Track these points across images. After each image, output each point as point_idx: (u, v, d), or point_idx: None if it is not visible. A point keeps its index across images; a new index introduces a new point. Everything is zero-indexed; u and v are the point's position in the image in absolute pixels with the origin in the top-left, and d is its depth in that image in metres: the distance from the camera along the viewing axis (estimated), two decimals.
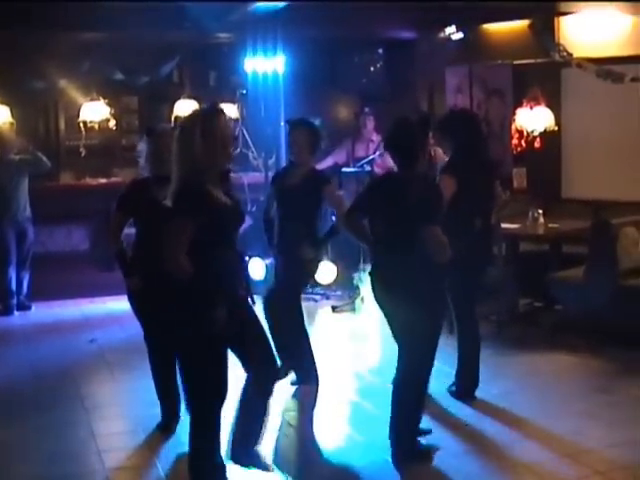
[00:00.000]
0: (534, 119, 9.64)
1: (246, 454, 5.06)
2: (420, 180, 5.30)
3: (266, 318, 6.50)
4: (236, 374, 4.90)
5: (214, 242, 4.56)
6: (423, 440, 5.58)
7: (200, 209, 4.48)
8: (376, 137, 10.65)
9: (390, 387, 5.53)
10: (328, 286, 10.03)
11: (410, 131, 5.37)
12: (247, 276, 5.06)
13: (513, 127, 9.88)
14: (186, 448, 4.89)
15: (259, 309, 5.67)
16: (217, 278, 4.53)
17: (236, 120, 11.12)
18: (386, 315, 5.45)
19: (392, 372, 5.57)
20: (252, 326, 4.91)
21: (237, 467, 5.04)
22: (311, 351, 6.92)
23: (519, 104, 9.86)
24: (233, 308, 4.60)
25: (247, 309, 4.88)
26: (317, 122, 6.86)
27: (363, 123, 10.94)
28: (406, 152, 5.37)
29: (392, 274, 5.32)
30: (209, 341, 4.58)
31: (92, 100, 10.99)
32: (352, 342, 8.42)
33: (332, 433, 6.10)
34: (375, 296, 5.50)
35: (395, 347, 5.52)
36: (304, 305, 7.07)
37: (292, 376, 6.88)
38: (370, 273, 5.52)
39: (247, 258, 9.53)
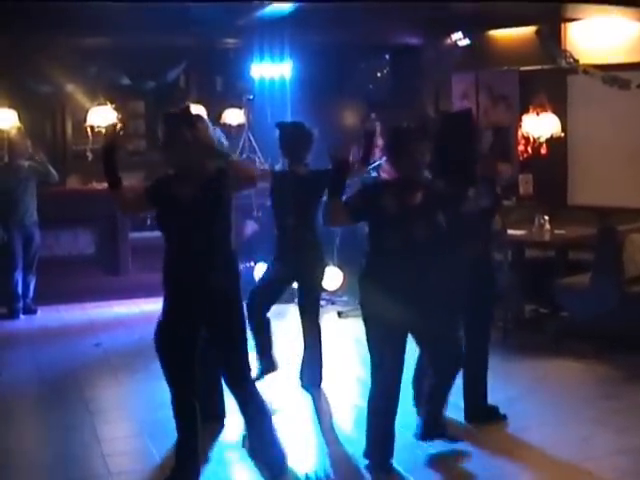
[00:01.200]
0: (540, 125, 9.64)
1: None
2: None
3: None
4: None
5: (168, 229, 4.96)
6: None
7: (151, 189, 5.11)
8: (381, 142, 10.64)
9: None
10: (334, 292, 10.03)
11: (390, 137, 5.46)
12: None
13: (519, 133, 9.89)
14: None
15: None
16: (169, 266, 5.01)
17: (242, 125, 11.15)
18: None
19: None
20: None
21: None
22: None
23: (525, 110, 9.86)
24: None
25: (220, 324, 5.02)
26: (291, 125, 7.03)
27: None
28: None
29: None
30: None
31: (99, 105, 11.02)
32: (358, 348, 8.40)
33: (336, 437, 6.09)
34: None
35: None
36: None
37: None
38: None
39: (252, 263, 9.57)
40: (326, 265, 7.23)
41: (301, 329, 7.11)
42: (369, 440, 5.45)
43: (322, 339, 7.12)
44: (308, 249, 6.60)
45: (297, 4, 8.65)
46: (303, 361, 7.12)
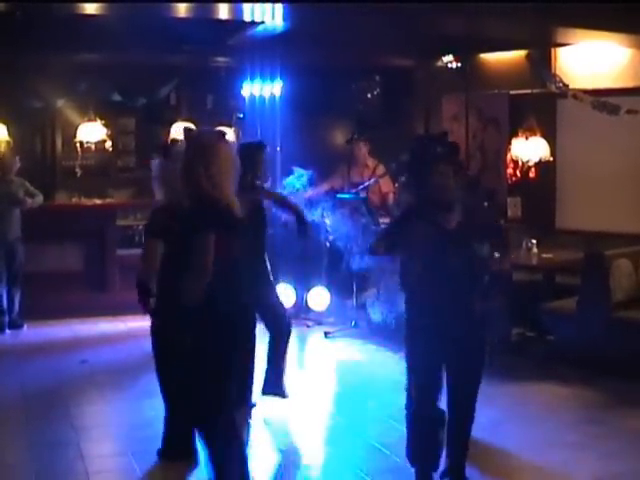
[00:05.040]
0: (529, 149, 9.70)
1: None
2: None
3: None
4: None
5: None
6: None
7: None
8: (371, 162, 10.66)
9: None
10: (321, 312, 10.04)
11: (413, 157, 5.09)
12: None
13: (508, 157, 9.94)
14: (175, 470, 4.87)
15: None
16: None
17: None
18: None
19: (377, 396, 5.52)
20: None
21: None
22: None
23: (515, 134, 9.91)
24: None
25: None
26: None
27: (358, 148, 10.85)
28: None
29: None
30: None
31: (89, 121, 11.03)
32: (342, 368, 8.40)
33: (314, 455, 6.09)
34: None
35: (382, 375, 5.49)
36: (298, 330, 7.03)
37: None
38: None
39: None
40: (274, 289, 6.94)
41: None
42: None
43: (286, 352, 6.89)
44: (255, 278, 6.18)
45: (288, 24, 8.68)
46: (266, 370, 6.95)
